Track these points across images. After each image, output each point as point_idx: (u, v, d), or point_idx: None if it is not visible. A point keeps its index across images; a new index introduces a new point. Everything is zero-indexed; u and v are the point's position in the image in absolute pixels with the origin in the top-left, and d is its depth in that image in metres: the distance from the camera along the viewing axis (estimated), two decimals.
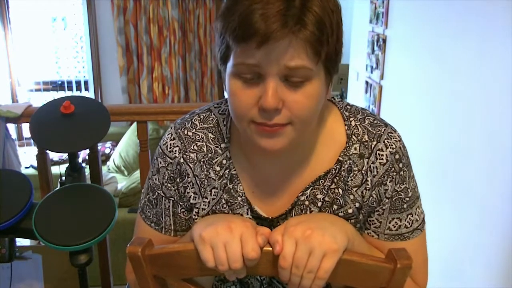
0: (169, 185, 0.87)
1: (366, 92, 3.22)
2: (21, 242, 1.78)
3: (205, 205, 0.86)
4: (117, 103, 4.22)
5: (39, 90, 4.43)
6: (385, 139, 0.82)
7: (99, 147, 2.67)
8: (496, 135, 1.50)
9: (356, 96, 3.52)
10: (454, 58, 1.82)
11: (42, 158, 1.90)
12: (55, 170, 2.02)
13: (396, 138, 0.83)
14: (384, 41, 2.76)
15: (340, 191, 0.82)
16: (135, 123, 2.07)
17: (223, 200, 0.85)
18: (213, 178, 0.85)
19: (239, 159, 0.86)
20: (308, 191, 0.83)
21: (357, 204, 0.83)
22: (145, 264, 0.74)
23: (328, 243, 0.68)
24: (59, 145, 1.44)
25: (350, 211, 0.83)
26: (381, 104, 2.88)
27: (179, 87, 4.32)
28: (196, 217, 0.87)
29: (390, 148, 0.82)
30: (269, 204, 0.86)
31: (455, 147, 1.80)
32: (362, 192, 0.82)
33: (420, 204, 0.87)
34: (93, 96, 4.30)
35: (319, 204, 0.83)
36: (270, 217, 0.86)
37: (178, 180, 0.87)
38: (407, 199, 0.83)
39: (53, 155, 3.46)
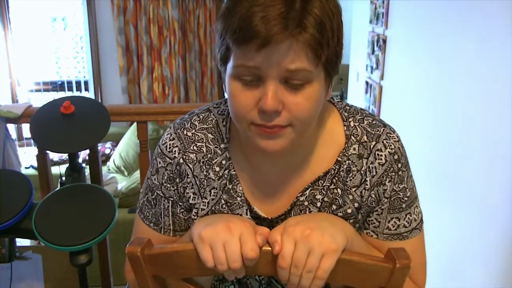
0: (168, 185, 0.87)
1: (366, 92, 3.21)
2: (21, 242, 1.78)
3: (205, 206, 0.86)
4: (117, 103, 4.21)
5: (39, 90, 4.43)
6: (384, 139, 0.82)
7: (99, 147, 2.67)
8: (496, 135, 1.50)
9: (356, 96, 3.52)
10: (454, 58, 1.82)
11: (42, 158, 1.90)
12: (55, 170, 2.02)
13: (394, 138, 0.83)
14: (384, 41, 2.76)
15: (339, 191, 0.83)
16: (135, 123, 2.07)
17: (222, 201, 0.85)
18: (212, 179, 0.85)
19: (238, 160, 0.86)
20: (307, 192, 0.83)
21: (356, 204, 0.83)
22: (144, 264, 0.74)
23: (327, 243, 0.68)
24: (59, 145, 1.44)
25: (349, 211, 0.83)
26: (381, 104, 2.88)
27: (179, 87, 4.32)
28: (196, 217, 0.87)
29: (389, 148, 0.82)
30: (269, 205, 0.86)
31: (455, 147, 1.80)
32: (361, 192, 0.82)
33: (418, 204, 0.87)
34: (93, 96, 4.30)
35: (318, 204, 0.83)
36: (270, 218, 0.86)
37: (177, 180, 0.87)
38: (406, 199, 0.84)
39: (53, 155, 3.46)
